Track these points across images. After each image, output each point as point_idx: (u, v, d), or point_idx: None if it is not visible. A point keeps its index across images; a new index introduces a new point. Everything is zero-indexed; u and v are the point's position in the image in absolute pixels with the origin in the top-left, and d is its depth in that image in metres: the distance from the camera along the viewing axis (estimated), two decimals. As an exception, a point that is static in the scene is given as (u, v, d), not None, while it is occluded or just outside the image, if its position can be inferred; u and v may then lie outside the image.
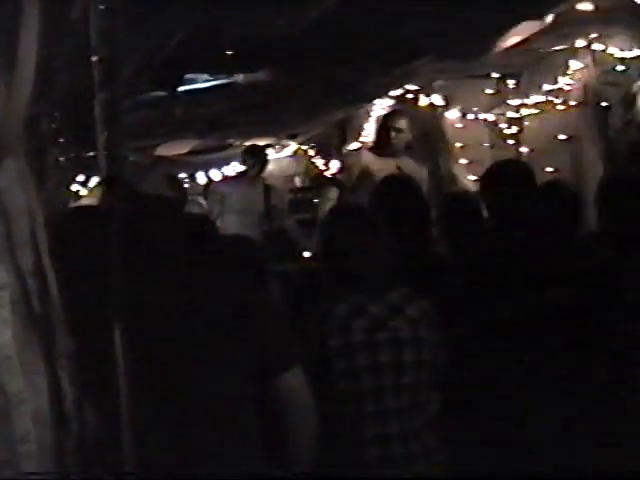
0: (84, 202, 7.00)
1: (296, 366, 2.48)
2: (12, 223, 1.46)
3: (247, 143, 9.46)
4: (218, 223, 7.20)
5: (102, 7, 1.61)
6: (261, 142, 9.89)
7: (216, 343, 2.37)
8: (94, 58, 1.54)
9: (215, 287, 2.48)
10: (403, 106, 8.18)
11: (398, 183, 4.48)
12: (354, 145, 9.28)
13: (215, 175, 9.72)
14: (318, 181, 9.08)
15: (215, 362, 2.35)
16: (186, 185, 9.72)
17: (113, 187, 1.42)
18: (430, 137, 8.27)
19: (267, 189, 8.45)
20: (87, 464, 1.49)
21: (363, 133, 9.29)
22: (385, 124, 7.55)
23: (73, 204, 6.96)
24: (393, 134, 7.38)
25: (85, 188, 7.98)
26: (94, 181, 7.51)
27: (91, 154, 5.66)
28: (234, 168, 10.69)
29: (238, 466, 2.30)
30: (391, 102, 8.67)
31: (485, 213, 4.18)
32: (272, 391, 2.46)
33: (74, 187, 8.01)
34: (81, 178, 8.01)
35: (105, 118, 1.59)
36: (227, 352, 2.38)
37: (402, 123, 7.45)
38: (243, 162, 8.56)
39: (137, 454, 1.50)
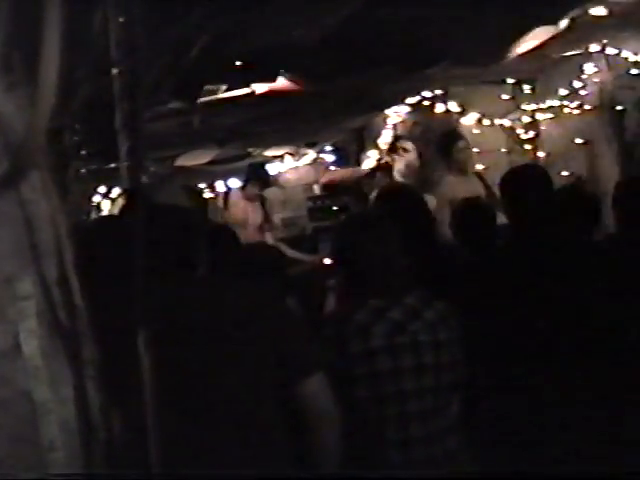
0: (106, 212, 7.04)
1: (319, 372, 2.49)
2: (36, 234, 1.47)
3: (266, 152, 9.49)
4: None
5: (121, 20, 1.63)
6: (280, 151, 9.92)
7: (239, 350, 2.39)
8: (114, 71, 1.55)
9: (236, 294, 2.51)
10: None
11: (404, 189, 4.47)
12: (371, 152, 9.30)
13: (235, 184, 9.78)
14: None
15: (238, 368, 2.38)
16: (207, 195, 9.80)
17: (133, 198, 1.44)
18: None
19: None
20: (114, 471, 1.51)
21: (380, 140, 9.32)
22: (450, 145, 7.52)
23: (95, 215, 7.01)
24: (459, 152, 7.37)
25: (107, 199, 8.05)
26: (116, 192, 7.58)
27: (112, 166, 5.70)
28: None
29: (262, 469, 2.32)
30: (407, 109, 8.69)
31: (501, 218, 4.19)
32: (295, 397, 2.48)
33: (96, 198, 8.08)
34: (103, 189, 8.09)
35: (126, 130, 1.60)
36: (250, 358, 2.40)
37: (463, 143, 7.47)
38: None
39: (164, 460, 1.52)
